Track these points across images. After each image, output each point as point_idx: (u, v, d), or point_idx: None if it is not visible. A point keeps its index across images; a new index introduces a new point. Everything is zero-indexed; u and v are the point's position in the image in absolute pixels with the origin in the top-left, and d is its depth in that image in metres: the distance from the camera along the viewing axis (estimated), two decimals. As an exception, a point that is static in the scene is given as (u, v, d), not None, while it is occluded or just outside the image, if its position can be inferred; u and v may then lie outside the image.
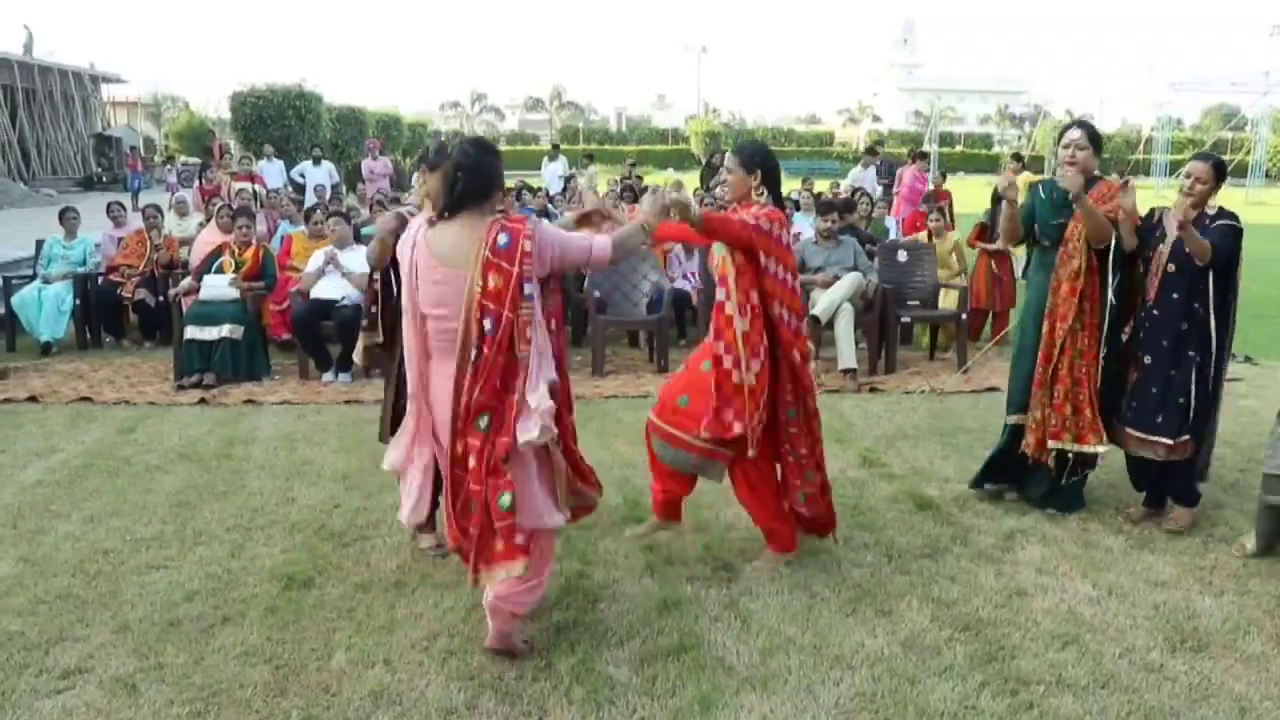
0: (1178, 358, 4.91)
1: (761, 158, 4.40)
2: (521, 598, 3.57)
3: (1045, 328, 5.05)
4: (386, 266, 4.74)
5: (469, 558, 3.50)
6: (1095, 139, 5.03)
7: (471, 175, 3.46)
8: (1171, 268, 4.91)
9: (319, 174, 16.05)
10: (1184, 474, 5.03)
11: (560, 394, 3.66)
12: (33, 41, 35.67)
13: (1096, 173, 5.10)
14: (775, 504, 4.49)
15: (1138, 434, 4.99)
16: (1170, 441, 4.90)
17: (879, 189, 15.06)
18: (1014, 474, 5.38)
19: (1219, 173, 4.93)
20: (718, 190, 10.53)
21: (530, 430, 3.39)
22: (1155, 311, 4.96)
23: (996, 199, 10.04)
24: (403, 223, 4.25)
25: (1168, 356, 4.92)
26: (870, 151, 17.79)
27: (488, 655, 3.68)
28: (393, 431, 4.23)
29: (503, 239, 3.38)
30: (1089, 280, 4.96)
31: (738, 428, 4.20)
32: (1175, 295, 4.91)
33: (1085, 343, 4.99)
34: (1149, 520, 5.11)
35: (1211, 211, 4.95)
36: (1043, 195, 5.20)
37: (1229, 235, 4.84)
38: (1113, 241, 4.93)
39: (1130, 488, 5.36)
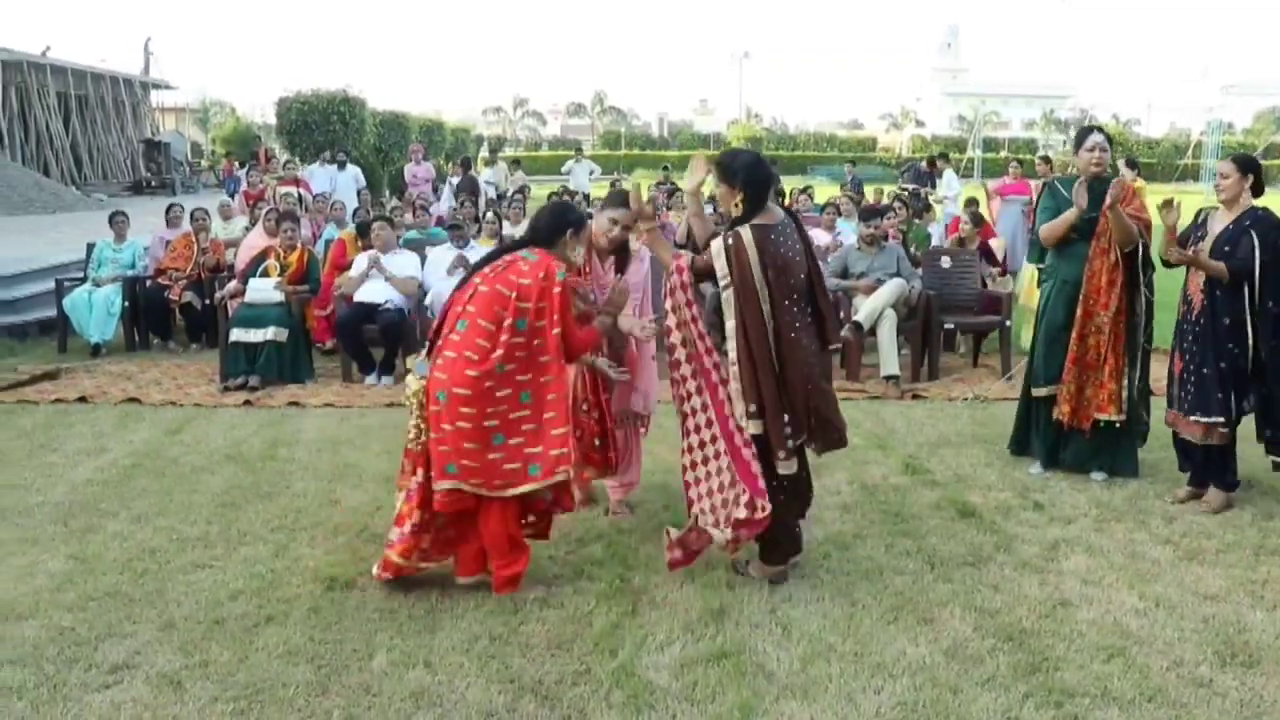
0: (1220, 351, 5.12)
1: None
2: None
3: (1080, 311, 5.53)
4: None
5: None
6: (1110, 140, 5.74)
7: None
8: None
9: (344, 179, 16.06)
10: (1227, 458, 5.27)
11: None
12: (150, 61, 37.07)
13: (1107, 172, 5.70)
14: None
15: (1195, 419, 5.22)
16: (1213, 421, 5.15)
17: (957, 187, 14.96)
18: (1048, 448, 5.83)
19: (1242, 166, 5.17)
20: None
21: None
22: (1200, 306, 5.20)
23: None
24: None
25: (1212, 350, 5.14)
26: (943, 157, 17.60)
27: (526, 658, 3.69)
28: None
29: None
30: (1122, 271, 5.46)
31: None
32: (1218, 292, 5.14)
33: (1119, 327, 5.51)
34: (1193, 500, 5.33)
35: (1245, 208, 5.17)
36: (1064, 192, 5.63)
37: (1271, 232, 5.06)
38: (1139, 243, 5.42)
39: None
